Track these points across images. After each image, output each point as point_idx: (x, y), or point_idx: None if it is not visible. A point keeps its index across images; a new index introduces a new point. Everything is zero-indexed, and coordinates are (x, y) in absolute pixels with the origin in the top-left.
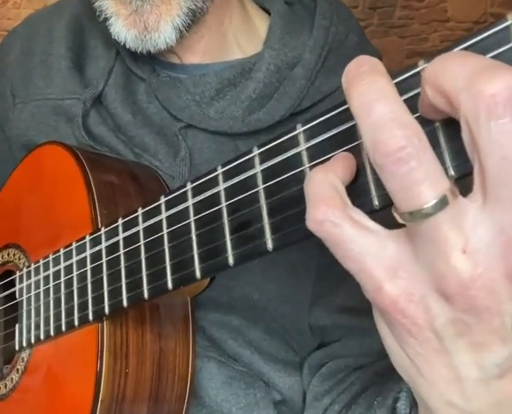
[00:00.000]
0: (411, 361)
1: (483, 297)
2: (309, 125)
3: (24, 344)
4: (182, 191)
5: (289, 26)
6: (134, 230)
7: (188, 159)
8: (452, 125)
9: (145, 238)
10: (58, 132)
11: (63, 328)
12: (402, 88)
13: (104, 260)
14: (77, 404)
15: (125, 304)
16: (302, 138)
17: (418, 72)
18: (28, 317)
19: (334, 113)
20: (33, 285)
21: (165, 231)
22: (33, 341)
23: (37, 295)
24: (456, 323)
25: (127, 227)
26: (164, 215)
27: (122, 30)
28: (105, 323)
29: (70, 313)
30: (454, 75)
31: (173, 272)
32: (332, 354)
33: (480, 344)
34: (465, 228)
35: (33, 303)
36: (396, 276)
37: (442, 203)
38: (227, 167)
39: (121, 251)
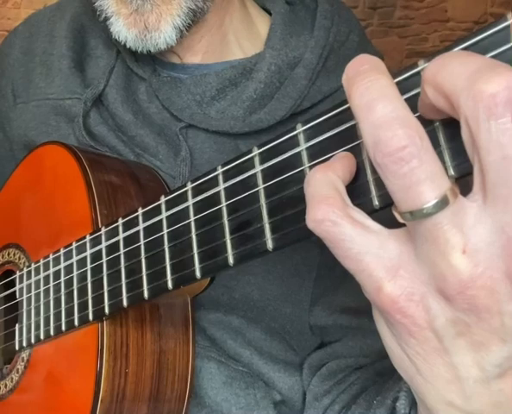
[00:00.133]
0: (411, 361)
1: (483, 296)
2: (308, 125)
3: (24, 344)
4: (182, 190)
5: (290, 26)
6: (134, 230)
7: (189, 160)
8: (451, 125)
9: (145, 238)
10: (58, 132)
11: (63, 328)
12: (402, 88)
13: (104, 259)
14: (77, 403)
15: (125, 303)
16: (302, 138)
17: (418, 72)
18: (28, 317)
19: (333, 113)
20: (33, 285)
21: (165, 231)
22: (33, 340)
23: (37, 295)
24: (456, 323)
25: (127, 227)
26: (164, 215)
27: (123, 30)
28: (105, 322)
29: (70, 313)
30: (454, 75)
31: (173, 271)
32: (332, 354)
33: (480, 344)
34: (466, 227)
35: (33, 302)
36: (396, 276)
37: (443, 202)
38: (227, 167)
39: (122, 251)
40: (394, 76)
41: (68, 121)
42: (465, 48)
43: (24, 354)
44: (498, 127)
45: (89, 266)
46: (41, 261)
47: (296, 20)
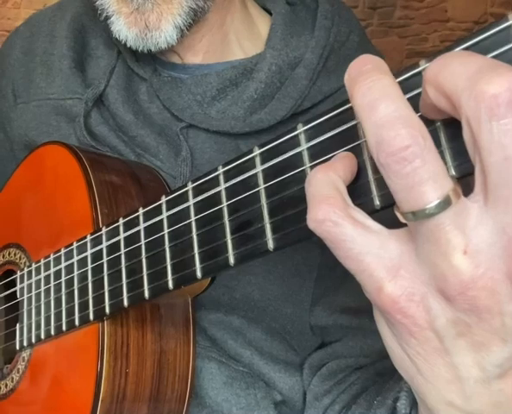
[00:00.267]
0: (411, 361)
1: (484, 297)
2: (309, 125)
3: (25, 344)
4: (183, 190)
5: (290, 26)
6: (134, 230)
7: (189, 160)
8: (453, 125)
9: (146, 238)
10: (59, 132)
11: (64, 327)
12: (403, 88)
13: (105, 259)
14: (77, 403)
15: (126, 303)
16: (302, 138)
17: (419, 72)
18: (29, 317)
19: (334, 113)
20: (34, 285)
21: (165, 231)
22: (33, 340)
23: (38, 294)
24: (456, 324)
25: (128, 226)
26: (165, 214)
27: (123, 29)
28: (106, 322)
29: (71, 313)
30: (456, 75)
31: (174, 271)
32: (332, 354)
33: (481, 344)
34: (467, 228)
35: (33, 302)
36: (396, 276)
37: (445, 203)
38: (228, 167)
39: (122, 251)
40: (395, 76)
41: (69, 121)
42: (466, 48)
43: (25, 354)
44: (500, 128)
45: (89, 266)
46: (42, 261)
47: (297, 20)
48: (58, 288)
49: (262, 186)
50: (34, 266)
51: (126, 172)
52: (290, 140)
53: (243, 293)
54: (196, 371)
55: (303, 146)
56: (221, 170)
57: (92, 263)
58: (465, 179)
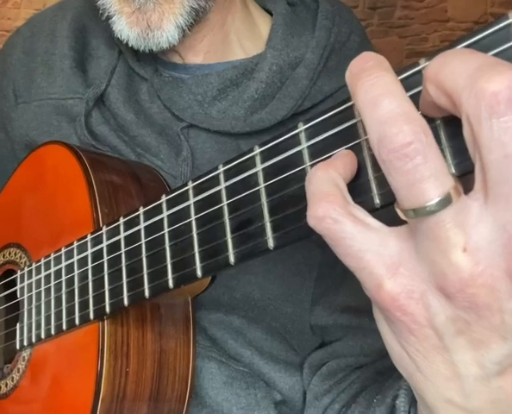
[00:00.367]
0: (411, 358)
1: (484, 295)
2: (310, 124)
3: (25, 343)
4: (183, 189)
5: (291, 26)
6: (135, 229)
7: (190, 159)
8: (453, 123)
9: (146, 237)
10: (60, 131)
11: (64, 327)
12: (403, 86)
13: (105, 258)
14: (77, 402)
15: (126, 302)
16: (303, 136)
17: (419, 71)
18: (29, 316)
19: (335, 111)
20: (34, 284)
21: (166, 230)
22: (34, 340)
23: (38, 294)
24: (456, 321)
25: (128, 226)
26: (165, 213)
27: (125, 28)
28: (106, 321)
29: (71, 312)
30: (456, 73)
31: (174, 270)
32: (332, 354)
33: (480, 342)
34: (467, 226)
35: (34, 302)
36: (396, 273)
37: (446, 200)
38: (228, 166)
39: (123, 250)
40: (396, 74)
41: (70, 120)
42: (467, 47)
43: (25, 354)
44: (500, 125)
45: (90, 265)
46: (42, 260)
47: (298, 20)
48: (58, 287)
49: (262, 185)
50: (34, 265)
51: (126, 172)
52: (290, 138)
53: (243, 293)
54: (196, 371)
55: (304, 144)
56: (221, 169)
57: (93, 262)
58: (465, 177)
